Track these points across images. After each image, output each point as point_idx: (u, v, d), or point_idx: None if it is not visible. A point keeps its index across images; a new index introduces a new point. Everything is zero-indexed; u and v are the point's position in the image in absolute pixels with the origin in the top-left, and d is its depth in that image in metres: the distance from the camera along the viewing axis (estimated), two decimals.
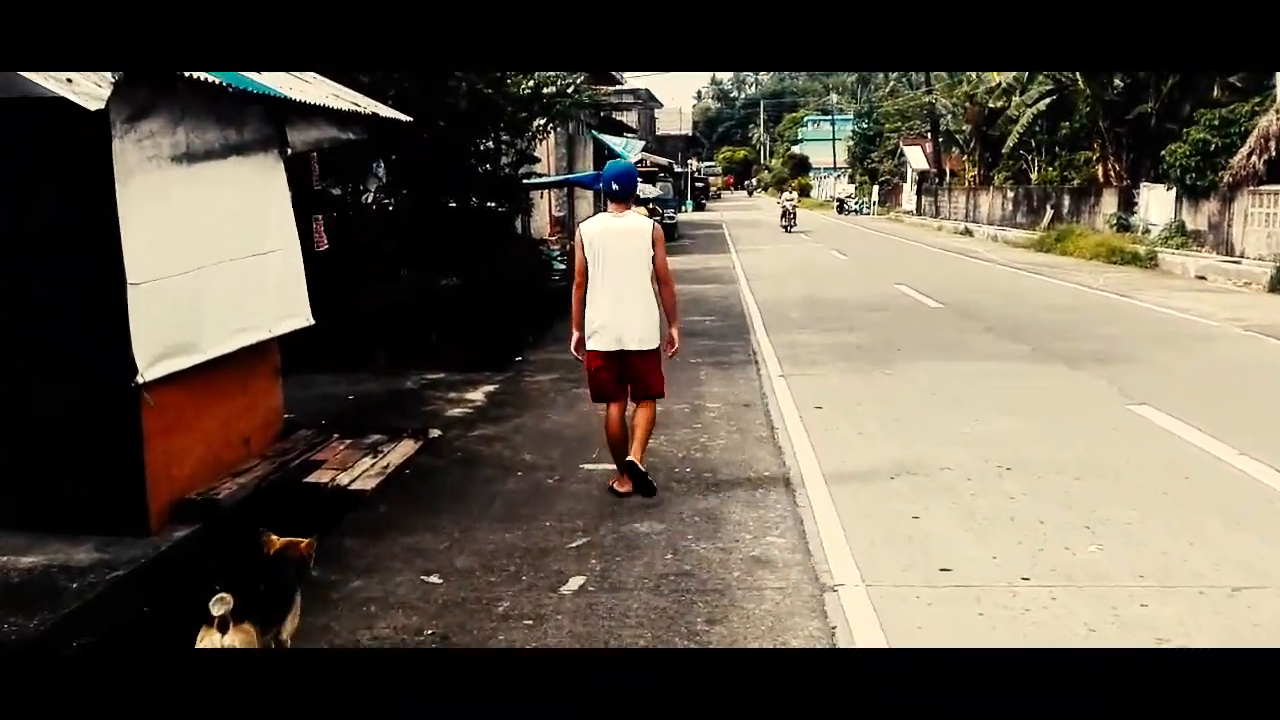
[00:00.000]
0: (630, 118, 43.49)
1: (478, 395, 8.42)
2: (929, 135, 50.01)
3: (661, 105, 62.41)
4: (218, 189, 5.79)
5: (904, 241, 30.44)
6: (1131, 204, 26.34)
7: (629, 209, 5.53)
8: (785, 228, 35.62)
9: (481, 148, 16.12)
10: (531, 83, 15.89)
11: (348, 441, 6.75)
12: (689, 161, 67.18)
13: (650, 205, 28.47)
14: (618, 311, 5.35)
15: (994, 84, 35.21)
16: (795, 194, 40.36)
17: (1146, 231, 24.78)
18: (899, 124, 58.42)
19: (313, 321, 6.66)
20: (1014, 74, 30.26)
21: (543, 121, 17.54)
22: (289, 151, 6.60)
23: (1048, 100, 29.55)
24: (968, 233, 34.27)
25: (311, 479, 6.05)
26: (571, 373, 9.27)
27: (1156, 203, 24.83)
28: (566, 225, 26.23)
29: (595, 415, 7.62)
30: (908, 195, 51.80)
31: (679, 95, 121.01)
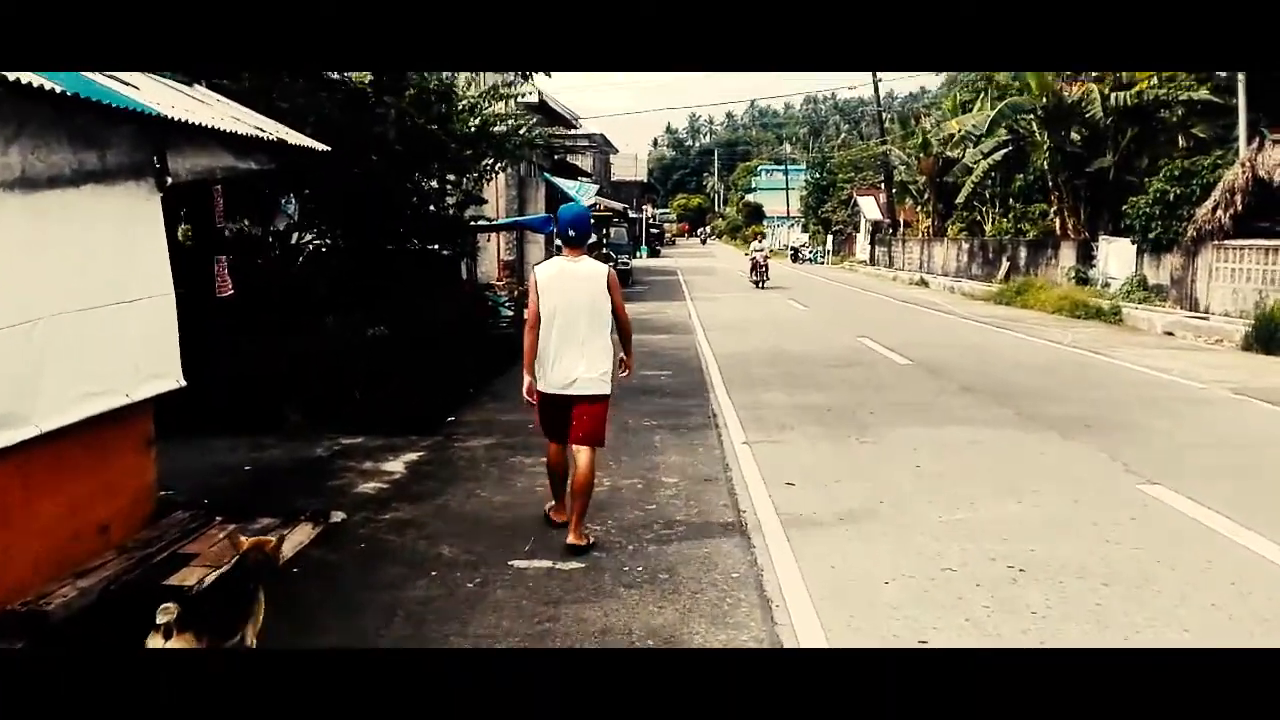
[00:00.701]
0: (585, 162, 42.86)
1: (398, 465, 7.31)
2: (882, 185, 50.11)
3: (617, 150, 62.04)
4: (66, 224, 4.69)
5: (861, 292, 29.89)
6: (1090, 257, 26.05)
7: (584, 254, 5.51)
8: (756, 283, 29.86)
9: (424, 186, 15.16)
10: (477, 121, 15.00)
11: (230, 527, 5.59)
12: (644, 207, 66.82)
13: (604, 250, 27.60)
14: (567, 357, 5.35)
15: (949, 134, 35.13)
16: (766, 244, 34.14)
17: (1106, 285, 24.44)
18: (852, 174, 58.64)
19: (183, 383, 5.54)
20: (972, 123, 29.97)
21: (490, 161, 16.65)
22: (169, 181, 5.51)
23: (1003, 151, 29.33)
24: (923, 283, 33.90)
25: (175, 580, 4.89)
26: (510, 436, 8.23)
27: (1117, 256, 24.52)
28: (517, 270, 25.16)
29: (533, 490, 6.58)
30: (861, 245, 51.68)
31: (634, 142, 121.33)
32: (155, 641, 3.23)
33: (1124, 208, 22.19)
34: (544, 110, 32.23)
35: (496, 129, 15.97)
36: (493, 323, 18.26)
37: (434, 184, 15.51)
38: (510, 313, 18.33)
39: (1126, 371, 12.35)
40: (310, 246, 14.08)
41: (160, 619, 3.23)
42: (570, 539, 5.33)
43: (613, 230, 31.04)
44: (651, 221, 68.11)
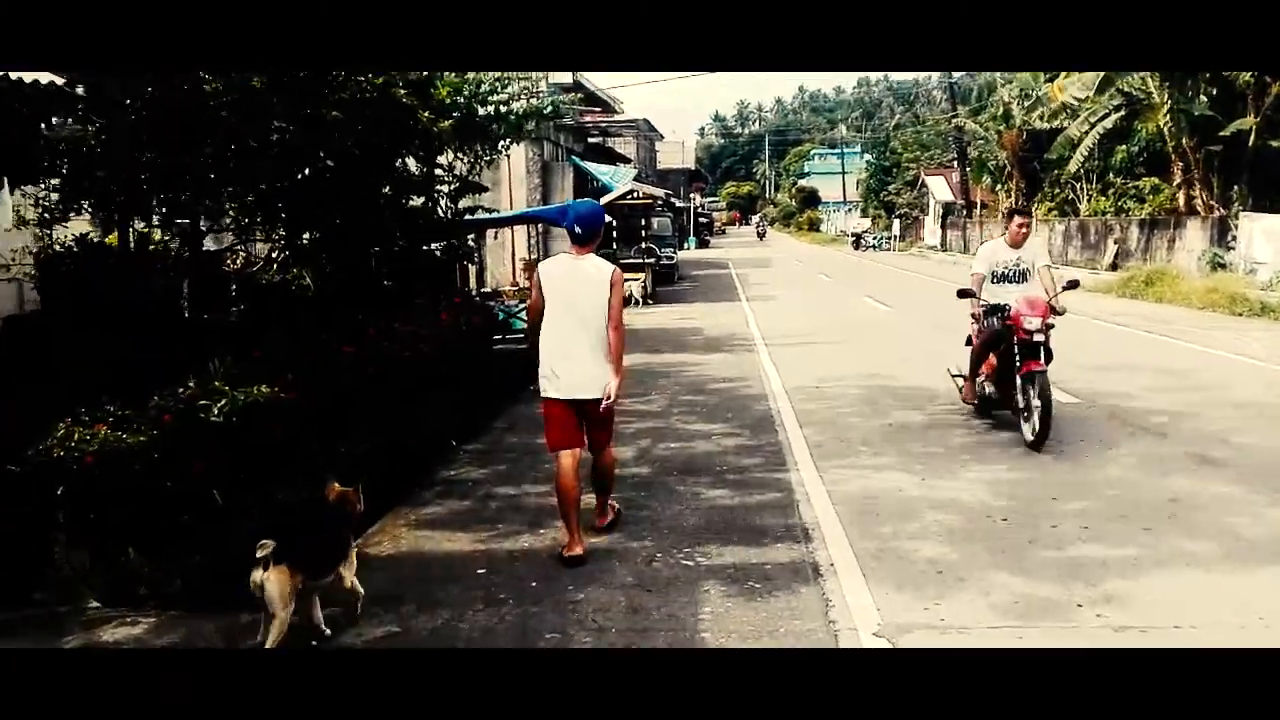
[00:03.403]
0: (628, 148, 39.15)
1: None
2: (954, 164, 45.59)
3: (662, 137, 58.24)
4: None
5: (943, 284, 25.62)
6: (1226, 237, 21.63)
7: (591, 252, 5.22)
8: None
9: (402, 171, 11.54)
10: (465, 93, 11.36)
11: None
12: (691, 196, 62.78)
13: (644, 245, 23.70)
14: (569, 359, 5.11)
15: (1044, 107, 30.69)
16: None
17: (1252, 271, 20.06)
18: (918, 153, 54.07)
19: None
20: (1078, 86, 25.43)
21: (495, 138, 12.98)
22: None
23: (1115, 116, 24.83)
24: None
25: None
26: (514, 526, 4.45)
27: (1266, 236, 20.11)
28: None
29: None
30: (930, 229, 47.21)
31: (680, 128, 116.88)
32: (256, 574, 3.67)
33: None
34: (578, 90, 28.51)
35: (506, 100, 12.37)
36: (499, 339, 14.62)
37: (413, 167, 11.94)
38: (524, 323, 14.65)
39: None
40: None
41: (259, 553, 3.64)
42: (598, 521, 5.44)
43: (655, 220, 27.08)
44: (700, 210, 64.04)
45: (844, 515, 5.64)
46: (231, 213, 8.90)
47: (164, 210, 8.72)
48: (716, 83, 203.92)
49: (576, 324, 5.08)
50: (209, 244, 10.15)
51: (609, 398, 5.09)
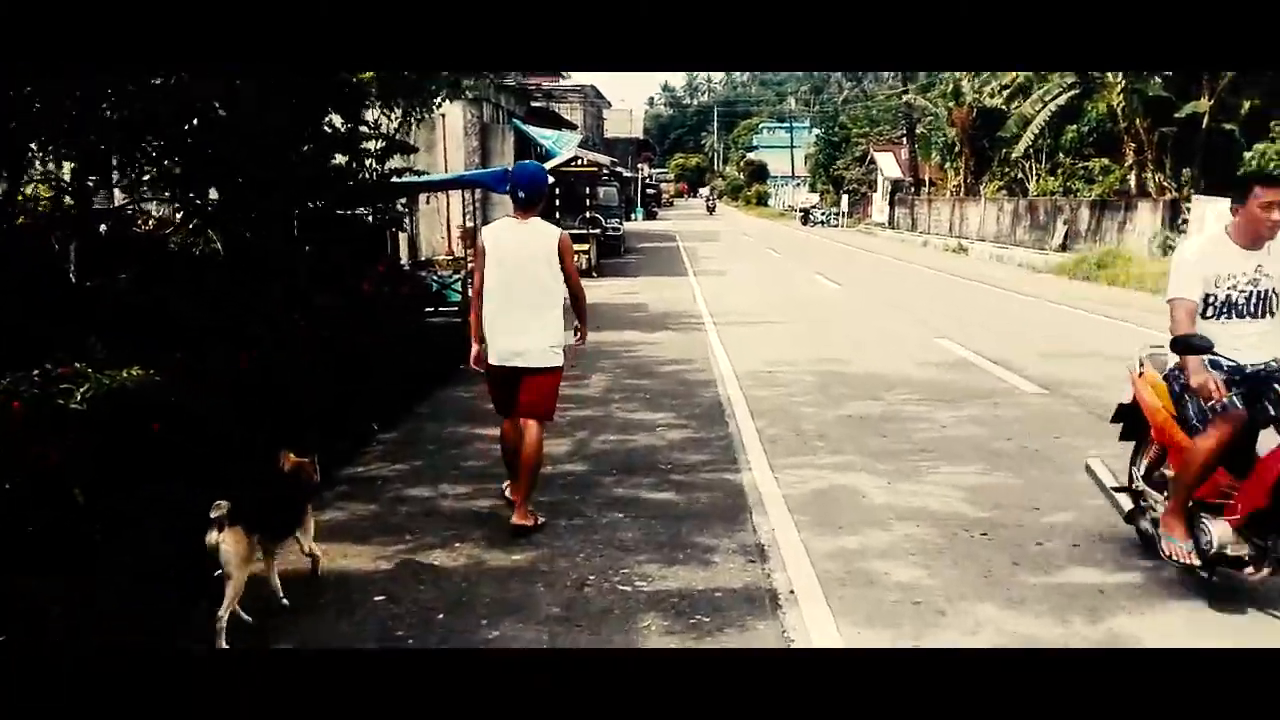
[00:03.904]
0: (575, 115, 38.06)
1: None
2: (903, 140, 45.23)
3: (610, 104, 57.06)
4: None
5: (894, 262, 25.24)
6: (1178, 220, 21.43)
7: (535, 216, 5.05)
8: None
9: (324, 129, 10.63)
10: None
11: None
12: (639, 166, 61.80)
13: (589, 215, 22.78)
14: (512, 327, 4.97)
15: (996, 82, 30.31)
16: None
17: None
18: (867, 128, 53.64)
19: None
20: (1022, 76, 25.00)
21: (418, 97, 12.07)
22: None
23: (1069, 95, 24.48)
24: (962, 250, 29.21)
25: None
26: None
27: (1218, 219, 19.91)
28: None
29: None
30: (879, 206, 46.89)
31: (630, 97, 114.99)
32: (211, 536, 3.63)
33: (1247, 155, 17.59)
34: None
35: None
36: (431, 311, 13.71)
37: (338, 124, 10.99)
38: (460, 295, 13.77)
39: None
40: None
41: (213, 513, 3.61)
42: (515, 519, 4.94)
43: (601, 190, 26.16)
44: (648, 181, 63.10)
45: (803, 526, 4.96)
46: (115, 165, 7.88)
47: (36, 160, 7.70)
48: None
49: (519, 290, 4.93)
50: (105, 205, 9.15)
51: (582, 341, 5.38)
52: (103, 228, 9.14)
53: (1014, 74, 26.74)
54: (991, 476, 5.84)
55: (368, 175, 11.14)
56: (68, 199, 8.12)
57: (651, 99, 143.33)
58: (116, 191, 9.28)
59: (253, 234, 9.48)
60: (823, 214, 49.02)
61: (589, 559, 4.55)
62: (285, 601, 4.03)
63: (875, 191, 48.43)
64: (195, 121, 7.79)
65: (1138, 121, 22.79)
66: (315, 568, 4.31)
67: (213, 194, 9.28)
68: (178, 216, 9.92)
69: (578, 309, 5.23)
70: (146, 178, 8.34)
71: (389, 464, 6.20)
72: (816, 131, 69.04)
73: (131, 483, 5.38)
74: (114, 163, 7.95)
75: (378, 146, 11.43)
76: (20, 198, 8.08)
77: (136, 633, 3.72)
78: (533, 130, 23.22)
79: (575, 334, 5.33)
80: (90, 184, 8.53)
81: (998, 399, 7.99)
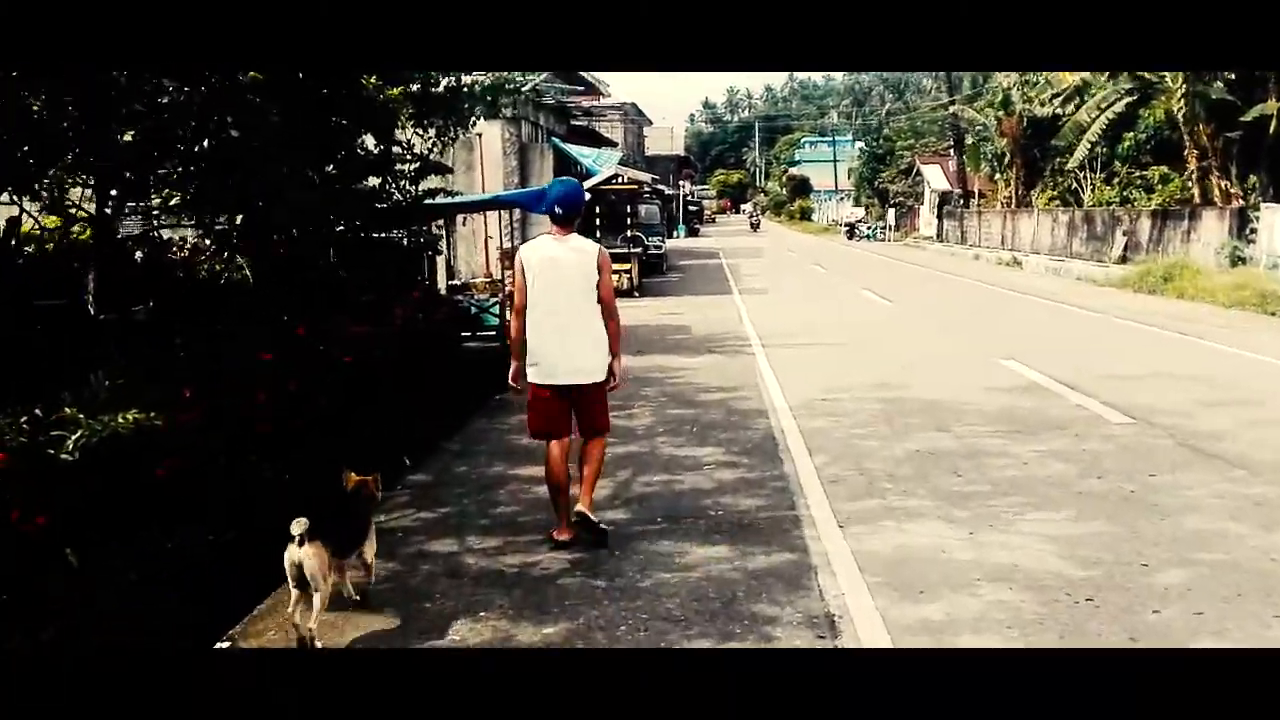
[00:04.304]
0: (615, 133, 37.72)
1: None
2: (950, 151, 44.26)
3: (650, 122, 56.70)
4: None
5: (946, 277, 24.42)
6: (1245, 230, 20.40)
7: (573, 232, 5.00)
8: None
9: (355, 149, 10.26)
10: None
11: None
12: (681, 183, 61.34)
13: (631, 234, 22.21)
14: (559, 343, 4.92)
15: (1048, 90, 29.39)
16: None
17: (1275, 266, 18.85)
18: (912, 140, 52.70)
19: None
20: (1080, 76, 24.03)
21: (453, 116, 11.64)
22: None
23: (1127, 101, 23.55)
24: (1015, 263, 28.28)
25: None
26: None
27: None
28: None
29: None
30: (926, 219, 45.96)
31: (670, 114, 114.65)
32: (291, 550, 3.78)
33: None
34: (559, 72, 27.05)
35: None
36: (469, 335, 13.27)
37: (370, 146, 10.60)
38: (497, 319, 13.32)
39: None
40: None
41: (295, 530, 3.76)
42: (580, 506, 4.95)
43: (642, 208, 25.63)
44: (690, 198, 62.58)
45: (876, 590, 4.33)
46: (127, 188, 7.51)
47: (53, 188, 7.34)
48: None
49: (562, 307, 4.89)
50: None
51: (616, 379, 5.11)
52: (138, 255, 8.80)
53: (1065, 80, 25.74)
54: (1087, 525, 5.16)
55: (402, 197, 10.72)
56: (76, 227, 7.74)
57: (692, 116, 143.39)
58: (136, 216, 8.92)
59: (280, 261, 9.08)
60: (868, 228, 48.13)
61: (631, 632, 3.96)
62: (357, 597, 4.32)
63: (922, 204, 47.49)
64: (209, 142, 7.36)
65: (1200, 127, 21.81)
66: (369, 574, 4.46)
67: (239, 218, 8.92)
68: (206, 242, 9.56)
69: (610, 331, 5.04)
70: (158, 201, 7.96)
71: (414, 511, 5.67)
72: (859, 145, 68.17)
73: (130, 532, 4.96)
74: (128, 186, 7.56)
75: (411, 168, 11.01)
76: (36, 223, 7.76)
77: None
78: (572, 149, 22.82)
79: (609, 373, 5.09)
80: (109, 210, 8.19)
81: (1079, 430, 7.28)
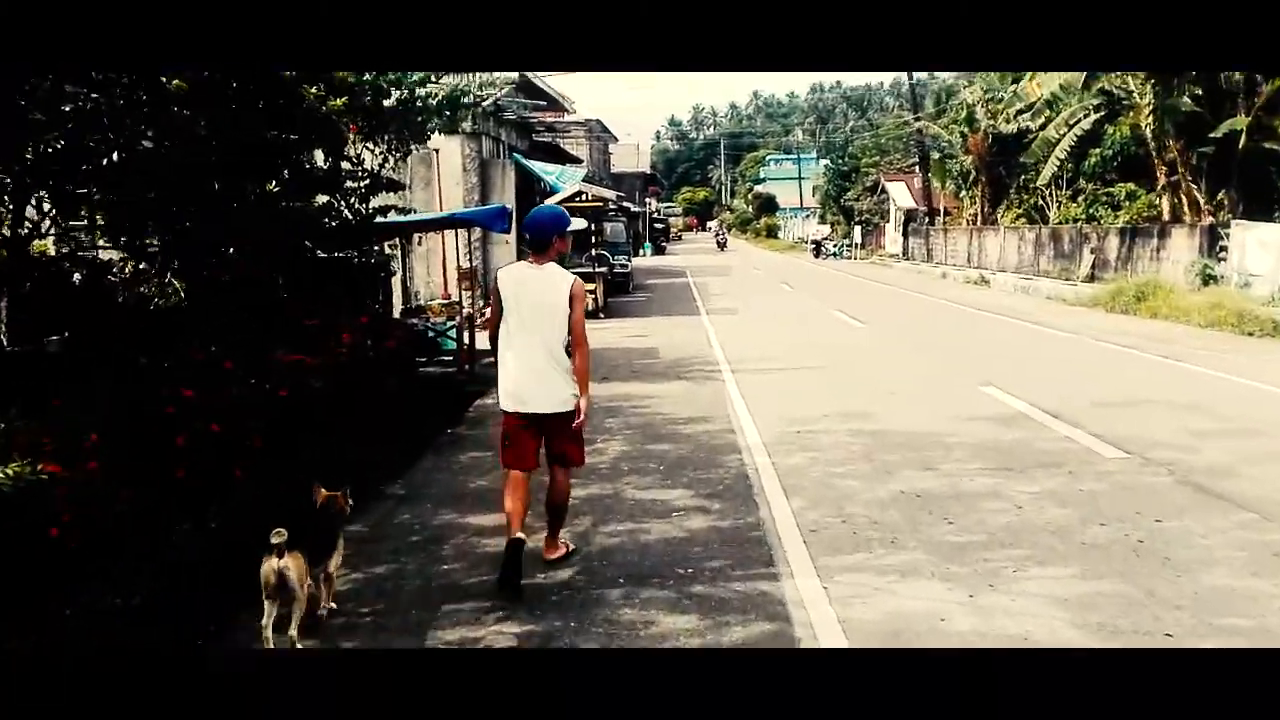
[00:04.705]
0: (580, 150, 37.23)
1: None
2: (915, 169, 44.23)
3: (616, 139, 56.30)
4: None
5: (916, 296, 24.11)
6: (1216, 247, 20.25)
7: (549, 260, 5.01)
8: None
9: (302, 162, 9.64)
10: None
11: None
12: (647, 201, 61.00)
13: (596, 252, 21.63)
14: (527, 373, 4.93)
15: (1012, 107, 29.33)
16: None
17: (1246, 285, 18.68)
18: (877, 158, 52.76)
19: None
20: (1059, 82, 23.80)
21: (406, 130, 11.10)
22: None
23: (1096, 116, 23.43)
24: (983, 282, 28.08)
25: None
26: None
27: (1262, 247, 18.74)
28: (481, 280, 19.28)
29: None
30: (892, 236, 45.89)
31: (636, 131, 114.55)
32: (270, 560, 3.86)
33: None
34: (523, 87, 26.50)
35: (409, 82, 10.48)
36: (424, 360, 12.66)
37: (319, 160, 10.01)
38: (455, 343, 12.70)
39: None
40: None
41: (274, 540, 3.85)
42: (547, 555, 5.09)
43: (608, 225, 25.13)
44: (656, 215, 62.26)
45: None
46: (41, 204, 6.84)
47: None
48: (673, 85, 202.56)
49: (535, 336, 4.91)
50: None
51: (580, 416, 5.00)
52: (76, 278, 8.08)
53: (1032, 95, 25.57)
54: (1096, 583, 4.64)
55: (351, 216, 10.08)
56: None
57: (658, 133, 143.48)
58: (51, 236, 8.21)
59: (217, 284, 8.41)
60: (835, 246, 47.97)
61: None
62: (333, 605, 4.46)
63: (888, 222, 47.44)
64: (121, 155, 6.71)
65: (1170, 142, 21.69)
66: (330, 587, 4.51)
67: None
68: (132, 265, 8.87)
69: (578, 369, 4.96)
70: (84, 221, 7.30)
71: (345, 573, 5.02)
72: (824, 162, 68.27)
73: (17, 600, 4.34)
74: (38, 203, 6.88)
75: (362, 185, 10.38)
76: None
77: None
78: (535, 165, 22.26)
79: (574, 408, 4.98)
80: (25, 231, 7.49)
81: (1072, 467, 6.79)
